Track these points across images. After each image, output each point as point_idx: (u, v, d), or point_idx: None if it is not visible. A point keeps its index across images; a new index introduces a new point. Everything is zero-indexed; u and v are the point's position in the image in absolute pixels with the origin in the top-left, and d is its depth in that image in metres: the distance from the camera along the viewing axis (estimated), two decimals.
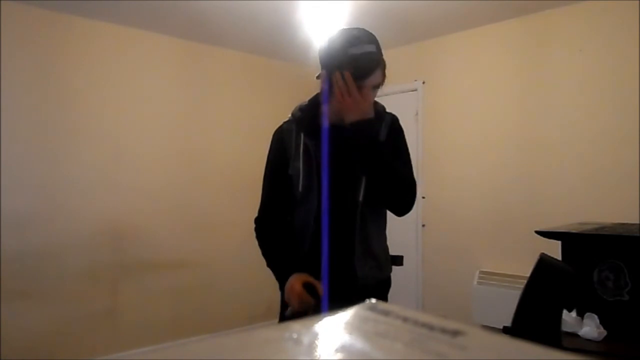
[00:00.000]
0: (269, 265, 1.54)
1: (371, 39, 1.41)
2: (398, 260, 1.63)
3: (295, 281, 1.42)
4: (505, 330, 1.31)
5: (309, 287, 1.40)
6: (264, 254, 1.56)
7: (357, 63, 1.36)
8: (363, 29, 1.44)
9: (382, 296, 1.56)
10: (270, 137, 1.60)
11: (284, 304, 1.54)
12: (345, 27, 1.45)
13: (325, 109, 1.51)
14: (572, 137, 3.23)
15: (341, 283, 1.41)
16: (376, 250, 1.51)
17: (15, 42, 3.15)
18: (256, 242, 1.60)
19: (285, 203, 1.54)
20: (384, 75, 1.45)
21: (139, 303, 3.61)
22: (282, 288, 1.47)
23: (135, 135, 3.67)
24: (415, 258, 4.04)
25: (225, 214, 4.06)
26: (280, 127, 1.59)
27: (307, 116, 1.54)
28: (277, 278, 1.50)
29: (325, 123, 1.50)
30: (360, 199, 1.47)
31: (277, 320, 1.54)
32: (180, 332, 3.72)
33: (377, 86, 1.45)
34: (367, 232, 1.49)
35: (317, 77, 1.47)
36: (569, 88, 3.25)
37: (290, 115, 1.59)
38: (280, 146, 1.55)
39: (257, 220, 1.60)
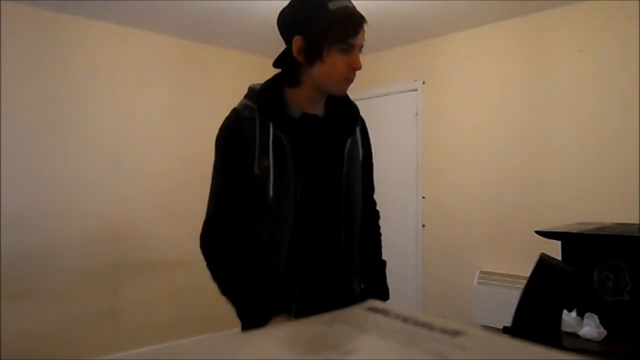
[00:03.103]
0: (225, 293, 1.18)
1: None
2: None
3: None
4: (505, 330, 1.31)
5: None
6: (218, 278, 1.20)
7: (344, 19, 1.16)
8: None
9: None
10: None
11: None
12: None
13: (293, 92, 1.25)
14: (572, 136, 3.23)
15: (337, 307, 1.14)
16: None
17: (15, 42, 3.15)
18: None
19: (245, 212, 1.20)
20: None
21: (139, 303, 3.61)
22: (247, 326, 1.15)
23: (135, 135, 3.67)
24: (415, 258, 4.04)
25: None
26: (236, 115, 1.21)
27: (269, 100, 1.22)
28: (241, 313, 1.16)
29: (295, 111, 1.24)
30: (355, 211, 1.29)
31: None
32: (180, 332, 3.72)
33: (362, 48, 1.23)
34: (356, 243, 1.32)
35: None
36: (569, 88, 3.25)
37: (246, 100, 1.24)
38: (240, 139, 1.18)
39: (203, 236, 1.22)
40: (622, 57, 3.02)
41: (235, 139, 1.19)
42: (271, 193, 1.16)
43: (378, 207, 1.49)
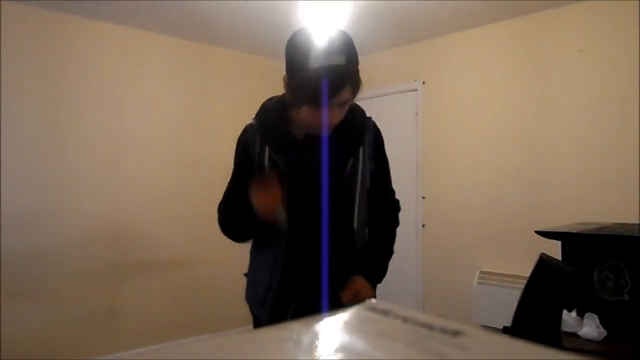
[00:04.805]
0: (234, 238, 1.42)
1: (341, 48, 1.16)
2: None
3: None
4: (505, 330, 1.31)
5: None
6: (227, 233, 1.40)
7: (315, 84, 1.12)
8: (338, 32, 1.20)
9: None
10: None
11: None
12: (318, 27, 1.22)
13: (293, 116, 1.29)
14: (572, 137, 3.23)
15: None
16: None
17: (15, 42, 3.14)
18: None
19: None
20: (356, 88, 1.23)
21: (139, 303, 3.61)
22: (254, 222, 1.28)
23: (135, 135, 3.67)
24: (415, 258, 4.04)
25: None
26: (244, 133, 1.37)
27: (273, 122, 1.31)
28: (250, 222, 1.29)
29: (298, 132, 1.30)
30: (356, 226, 1.35)
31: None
32: (180, 332, 3.71)
33: (347, 102, 1.23)
34: (356, 253, 1.37)
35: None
36: (569, 88, 3.25)
37: (254, 119, 1.36)
38: (244, 155, 1.34)
39: (218, 216, 1.41)
40: (622, 57, 3.02)
41: (240, 154, 1.36)
42: None
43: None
